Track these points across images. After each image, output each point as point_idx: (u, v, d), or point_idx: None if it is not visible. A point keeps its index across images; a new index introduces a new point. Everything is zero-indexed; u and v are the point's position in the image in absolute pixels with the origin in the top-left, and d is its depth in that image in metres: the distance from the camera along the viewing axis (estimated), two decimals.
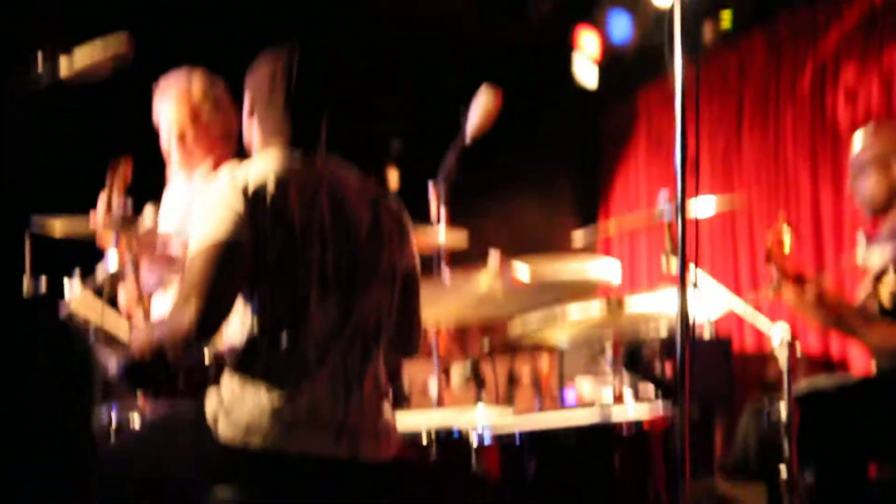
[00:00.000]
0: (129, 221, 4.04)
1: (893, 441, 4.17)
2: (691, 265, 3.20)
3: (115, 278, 4.32)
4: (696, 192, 3.23)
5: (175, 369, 3.98)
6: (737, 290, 7.47)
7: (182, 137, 4.69)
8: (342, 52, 8.47)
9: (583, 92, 8.32)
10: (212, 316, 2.96)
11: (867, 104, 6.66)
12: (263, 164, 3.14)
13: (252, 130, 3.30)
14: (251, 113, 3.29)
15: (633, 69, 8.11)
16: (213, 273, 2.95)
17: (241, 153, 3.51)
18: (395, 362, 3.39)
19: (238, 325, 3.08)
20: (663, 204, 4.04)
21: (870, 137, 4.59)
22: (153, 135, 4.76)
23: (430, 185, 4.93)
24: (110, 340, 3.97)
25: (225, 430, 3.01)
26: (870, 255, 4.52)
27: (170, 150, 4.73)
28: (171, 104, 4.70)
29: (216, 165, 4.80)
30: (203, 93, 4.70)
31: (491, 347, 4.54)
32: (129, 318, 4.26)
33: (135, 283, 4.32)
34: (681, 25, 3.24)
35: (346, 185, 3.22)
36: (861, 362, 6.46)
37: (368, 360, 3.16)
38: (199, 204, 3.07)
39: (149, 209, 4.80)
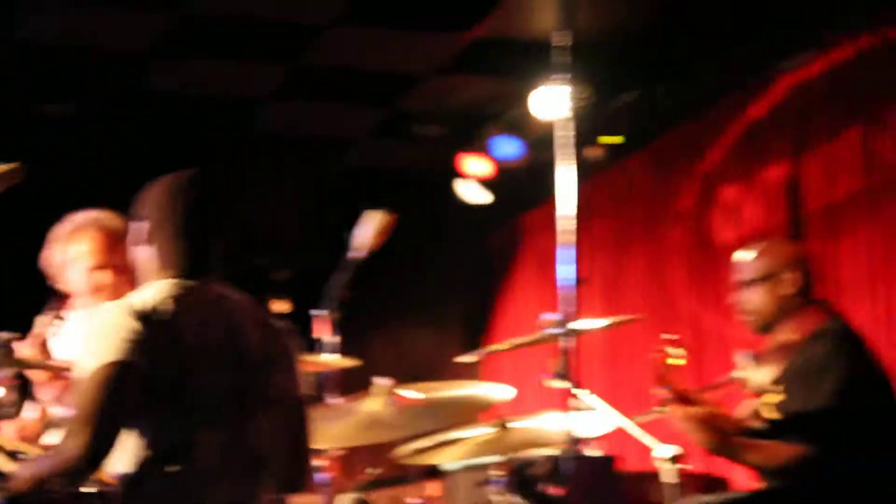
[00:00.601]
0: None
1: None
2: (577, 386, 3.23)
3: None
4: (582, 313, 3.26)
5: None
6: (622, 410, 7.49)
7: (92, 270, 4.67)
8: (234, 177, 8.54)
9: (470, 213, 8.40)
10: (102, 443, 2.92)
11: (748, 221, 6.79)
12: (157, 289, 3.13)
13: (144, 258, 3.29)
14: (147, 240, 3.27)
15: (519, 189, 8.20)
16: (104, 397, 2.92)
17: None
18: (285, 490, 3.35)
19: (127, 451, 3.03)
20: (549, 325, 4.06)
21: (758, 254, 4.65)
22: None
23: (319, 310, 4.93)
24: None
25: None
26: (754, 374, 4.57)
27: (80, 284, 4.69)
28: (85, 240, 4.68)
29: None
30: (116, 227, 4.70)
31: (378, 472, 4.51)
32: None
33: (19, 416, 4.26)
34: (566, 145, 3.30)
35: (239, 310, 3.21)
36: (744, 482, 6.50)
37: (259, 488, 3.13)
38: (92, 327, 3.05)
39: (43, 319, 4.74)
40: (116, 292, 4.63)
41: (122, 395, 2.94)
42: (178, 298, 3.09)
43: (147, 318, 3.01)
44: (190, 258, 3.20)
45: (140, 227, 3.29)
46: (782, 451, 4.19)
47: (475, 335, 9.45)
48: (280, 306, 9.24)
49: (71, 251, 4.67)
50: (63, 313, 4.74)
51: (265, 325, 3.24)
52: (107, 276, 4.67)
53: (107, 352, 2.95)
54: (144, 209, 3.29)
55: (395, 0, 6.80)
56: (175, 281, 3.16)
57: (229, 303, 3.20)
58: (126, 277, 4.76)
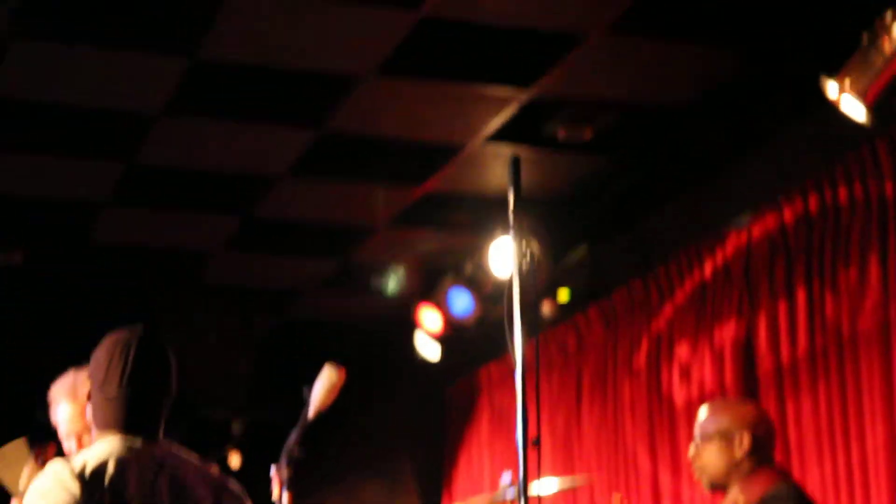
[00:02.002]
0: None
1: None
2: None
3: None
4: (539, 474, 3.24)
5: None
6: None
7: (70, 437, 4.64)
8: (185, 329, 8.51)
9: (425, 368, 8.38)
10: None
11: (700, 380, 6.81)
12: (101, 449, 3.09)
13: (90, 414, 3.25)
14: (91, 398, 3.24)
15: (475, 344, 8.21)
16: None
17: None
18: None
19: None
20: (506, 485, 4.03)
21: (712, 412, 4.67)
22: None
23: (273, 467, 4.87)
24: None
25: None
26: None
27: (68, 449, 4.65)
28: (61, 406, 4.65)
29: None
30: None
31: None
32: None
33: None
34: (519, 302, 3.31)
35: (187, 469, 3.18)
36: None
37: None
38: (34, 489, 2.99)
39: None
40: None
41: None
42: (122, 459, 3.05)
43: (89, 480, 2.97)
44: (134, 416, 3.16)
45: (87, 385, 3.26)
46: None
47: (431, 491, 9.36)
48: (234, 459, 9.15)
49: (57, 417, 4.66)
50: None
51: (215, 486, 3.20)
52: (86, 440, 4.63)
53: None
54: (91, 365, 3.27)
55: (347, 154, 6.84)
56: (119, 440, 3.12)
57: (175, 462, 3.17)
58: None
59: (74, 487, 2.91)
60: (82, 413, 4.60)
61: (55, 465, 2.99)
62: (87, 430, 4.61)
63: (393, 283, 7.45)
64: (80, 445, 4.61)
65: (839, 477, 5.82)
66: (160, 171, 6.96)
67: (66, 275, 8.19)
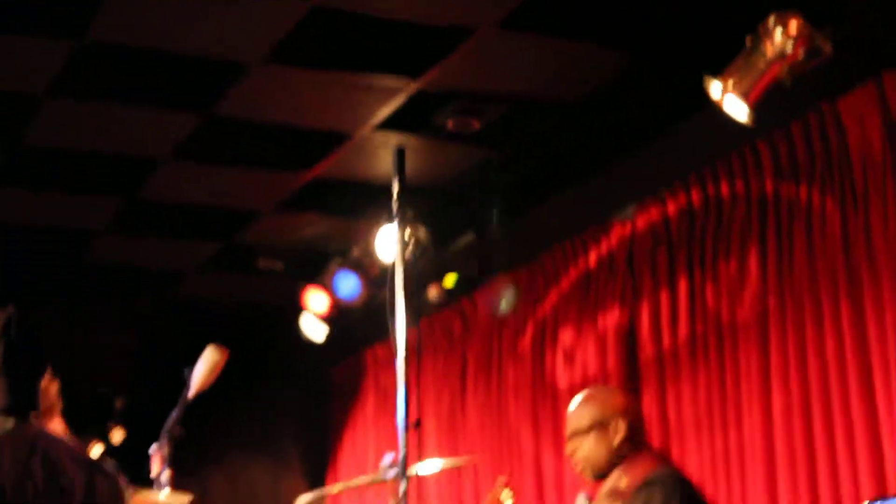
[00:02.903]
0: None
1: None
2: None
3: None
4: (420, 455, 3.28)
5: None
6: None
7: None
8: (67, 309, 8.42)
9: (310, 349, 8.39)
10: None
11: (584, 365, 6.91)
12: None
13: None
14: None
15: (360, 327, 8.23)
16: None
17: None
18: None
19: None
20: (387, 466, 4.05)
21: (585, 403, 4.73)
22: None
23: (154, 445, 4.86)
24: None
25: None
26: None
27: None
28: None
29: None
30: None
31: None
32: None
33: None
34: (404, 285, 3.34)
35: (59, 449, 3.16)
36: None
37: None
38: None
39: None
40: None
41: None
42: None
43: None
44: (5, 397, 3.15)
45: None
46: None
47: (316, 472, 9.37)
48: (117, 435, 9.08)
49: None
50: None
51: (88, 466, 3.20)
52: None
53: None
54: None
55: (234, 138, 6.81)
56: None
57: (48, 442, 3.15)
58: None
59: None
60: None
61: None
62: None
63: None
64: None
65: (717, 461, 5.96)
66: (45, 151, 6.87)
67: None
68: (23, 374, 3.16)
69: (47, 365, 3.25)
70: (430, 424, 8.04)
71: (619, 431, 4.61)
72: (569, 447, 4.71)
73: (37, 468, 3.02)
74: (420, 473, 3.37)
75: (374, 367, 9.07)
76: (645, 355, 6.47)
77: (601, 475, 4.66)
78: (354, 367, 9.29)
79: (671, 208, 6.32)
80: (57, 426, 4.42)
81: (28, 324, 3.21)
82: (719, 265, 6.03)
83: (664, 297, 6.37)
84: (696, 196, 6.16)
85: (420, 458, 3.27)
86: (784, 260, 5.67)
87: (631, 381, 6.50)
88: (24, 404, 3.16)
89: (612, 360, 6.68)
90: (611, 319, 6.72)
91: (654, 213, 6.43)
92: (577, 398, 4.80)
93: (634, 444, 4.63)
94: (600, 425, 4.63)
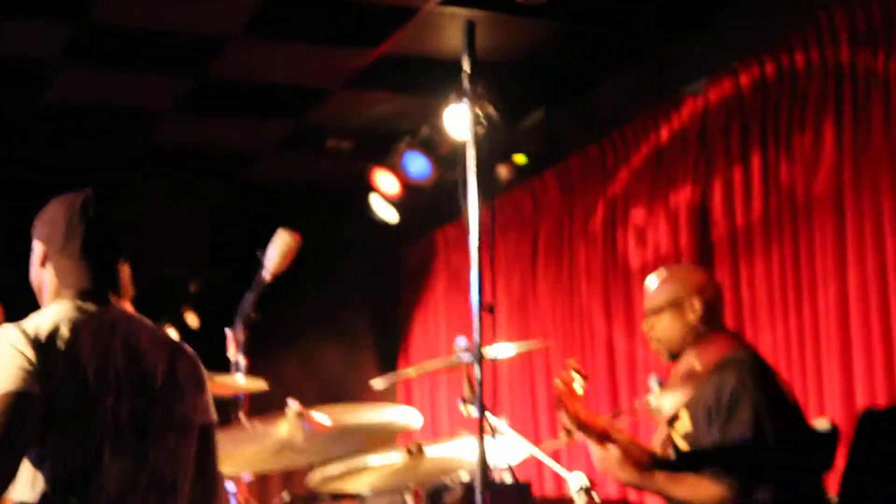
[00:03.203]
0: None
1: None
2: (490, 412, 3.22)
3: None
4: (494, 338, 3.25)
5: None
6: (535, 435, 7.52)
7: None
8: (138, 193, 8.46)
9: (381, 231, 8.39)
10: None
11: (655, 244, 6.86)
12: (55, 313, 3.08)
13: (42, 279, 3.23)
14: (41, 263, 3.22)
15: (430, 207, 8.21)
16: (1, 427, 2.85)
17: None
18: None
19: (27, 480, 2.97)
20: (461, 350, 4.05)
21: (663, 281, 4.68)
22: None
23: (228, 331, 4.88)
24: None
25: None
26: (662, 401, 4.59)
27: None
28: None
29: None
30: None
31: (291, 498, 4.47)
32: None
33: None
34: (475, 165, 3.29)
35: (141, 333, 3.17)
36: None
37: None
38: None
39: None
40: None
41: (19, 426, 2.89)
42: (76, 322, 3.05)
43: (43, 344, 2.96)
44: (87, 280, 3.15)
45: (36, 249, 3.24)
46: (704, 489, 4.23)
47: (388, 355, 9.43)
48: (191, 319, 9.17)
49: None
50: None
51: (169, 349, 3.21)
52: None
53: (3, 381, 2.89)
54: (39, 230, 3.24)
55: (302, 13, 6.74)
56: (72, 304, 3.11)
57: (130, 325, 3.16)
58: None
59: (29, 353, 2.91)
60: None
61: (6, 330, 2.98)
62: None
63: None
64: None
65: (791, 340, 5.90)
66: (113, 29, 6.83)
67: (18, 137, 8.08)
68: (102, 257, 3.17)
69: (124, 247, 3.25)
70: (500, 307, 7.99)
71: (694, 310, 4.56)
72: (644, 325, 4.69)
73: (118, 350, 3.04)
74: (493, 356, 3.35)
75: (444, 249, 9.06)
76: (718, 233, 6.39)
77: (675, 355, 4.62)
78: (425, 249, 9.29)
79: (744, 81, 6.18)
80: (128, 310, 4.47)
81: (106, 206, 3.21)
82: (794, 139, 5.91)
83: (737, 173, 6.26)
84: (769, 68, 6.02)
85: (493, 341, 3.23)
86: (860, 132, 5.54)
87: (703, 259, 6.43)
88: (105, 287, 3.17)
89: (684, 239, 6.61)
90: (683, 197, 6.64)
91: (726, 87, 6.30)
92: (655, 275, 4.76)
93: (710, 324, 4.58)
94: (676, 304, 4.58)
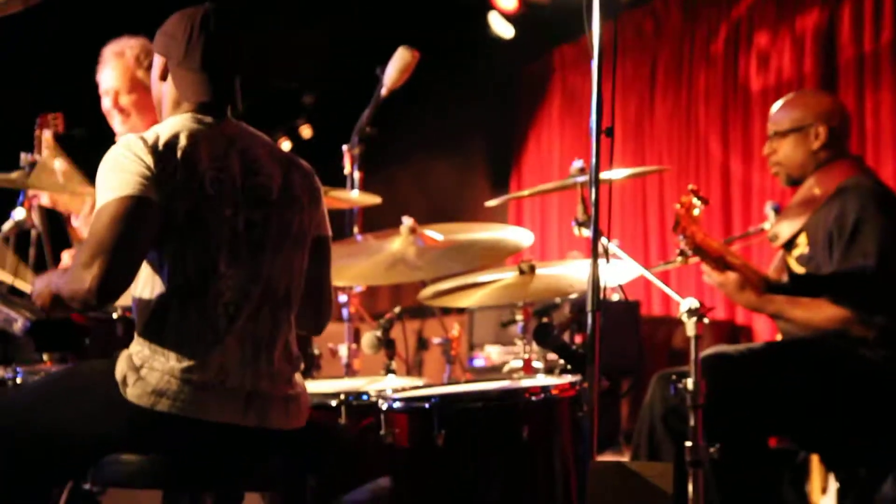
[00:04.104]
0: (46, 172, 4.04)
1: (793, 410, 4.23)
2: (603, 234, 3.21)
3: (21, 230, 4.28)
4: (611, 164, 3.22)
5: (84, 330, 3.94)
6: (645, 257, 7.53)
7: (117, 103, 4.69)
8: (256, 5, 8.43)
9: (498, 48, 8.31)
10: (116, 278, 2.91)
11: (779, 69, 6.72)
12: (174, 124, 3.11)
13: (163, 92, 3.26)
14: (162, 75, 3.24)
15: (549, 25, 8.10)
16: (120, 230, 2.90)
17: None
18: (305, 329, 3.38)
19: (146, 285, 3.04)
20: (577, 173, 4.02)
21: (788, 104, 4.60)
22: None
23: (345, 146, 4.90)
24: (12, 299, 3.92)
25: (133, 390, 2.98)
26: (779, 227, 4.55)
27: (111, 116, 4.72)
28: (108, 71, 4.70)
29: None
30: (136, 59, 4.69)
31: (401, 311, 4.53)
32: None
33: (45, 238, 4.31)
34: None
35: (257, 146, 3.20)
36: (766, 330, 6.54)
37: (279, 326, 3.14)
38: (107, 161, 3.02)
39: (58, 162, 4.77)
40: (140, 117, 4.68)
41: (137, 230, 2.93)
42: (195, 133, 3.07)
43: (161, 152, 2.99)
44: (206, 92, 3.17)
45: (156, 62, 3.26)
46: (824, 310, 4.21)
47: (500, 175, 9.43)
48: (306, 131, 9.22)
49: (101, 83, 4.71)
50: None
51: (284, 162, 3.23)
52: (132, 110, 4.70)
53: (123, 186, 2.94)
54: (159, 43, 3.25)
55: None
56: (191, 116, 3.14)
57: (246, 138, 3.18)
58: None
59: (148, 160, 2.93)
60: (126, 81, 4.68)
61: (127, 138, 3.02)
62: (129, 94, 4.70)
63: None
64: (122, 110, 4.69)
65: None
66: None
67: None
68: (222, 70, 3.17)
69: (243, 61, 3.25)
70: (617, 129, 7.94)
71: (819, 136, 4.48)
72: (766, 148, 4.62)
73: (234, 163, 3.06)
74: (608, 181, 3.33)
75: (561, 69, 8.97)
76: (844, 58, 6.24)
77: (796, 181, 4.56)
78: (541, 69, 9.20)
79: None
80: None
81: (225, 19, 3.20)
82: None
83: None
84: None
85: (610, 166, 3.20)
86: None
87: (827, 85, 6.30)
88: (223, 100, 3.18)
89: (808, 64, 6.47)
90: (809, 21, 6.48)
91: None
92: (783, 99, 4.67)
93: (833, 151, 4.50)
94: (800, 128, 4.50)
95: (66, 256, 4.42)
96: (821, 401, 4.20)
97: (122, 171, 2.96)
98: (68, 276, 2.94)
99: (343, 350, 4.78)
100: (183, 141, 3.03)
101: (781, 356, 4.32)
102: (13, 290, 4.21)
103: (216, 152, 3.07)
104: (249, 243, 3.07)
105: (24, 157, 4.06)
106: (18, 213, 4.11)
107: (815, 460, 4.73)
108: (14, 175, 4.06)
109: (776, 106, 4.63)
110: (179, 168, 2.99)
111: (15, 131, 4.72)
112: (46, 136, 4.52)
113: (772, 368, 4.26)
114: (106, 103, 4.78)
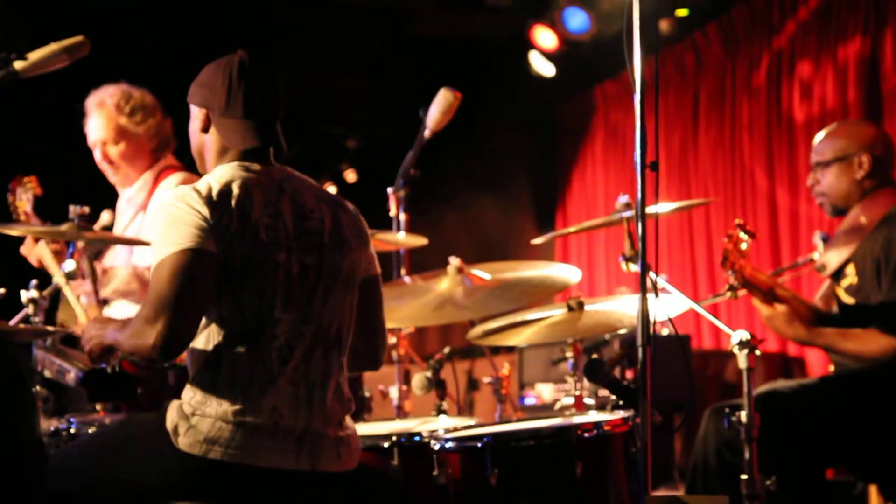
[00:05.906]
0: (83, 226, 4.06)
1: (850, 441, 4.20)
2: (651, 269, 3.21)
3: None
4: (657, 198, 3.22)
5: (136, 380, 3.96)
6: (694, 291, 7.49)
7: (106, 156, 4.75)
8: (293, 49, 8.49)
9: (539, 87, 8.32)
10: (180, 333, 2.93)
11: (822, 99, 6.69)
12: (224, 173, 3.13)
13: (205, 142, 3.28)
14: (204, 127, 3.26)
15: (589, 63, 8.11)
16: (182, 284, 2.92)
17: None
18: (358, 370, 3.38)
19: (202, 333, 3.06)
20: (623, 208, 4.02)
21: (831, 134, 4.59)
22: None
23: (390, 189, 4.92)
24: (64, 350, 3.95)
25: (184, 439, 2.99)
26: (827, 257, 4.53)
27: (103, 168, 4.78)
28: (93, 122, 4.76)
29: (161, 174, 4.84)
30: (117, 106, 4.74)
31: (451, 352, 4.53)
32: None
33: (92, 288, 4.33)
34: (639, 18, 3.23)
35: (305, 190, 3.21)
36: (818, 362, 6.49)
37: (331, 367, 3.15)
38: (160, 213, 3.04)
39: (106, 215, 4.81)
40: (155, 171, 4.73)
41: (198, 284, 2.95)
42: (246, 181, 3.09)
43: (218, 203, 3.01)
44: (252, 139, 3.19)
45: (196, 114, 3.27)
46: (875, 341, 4.19)
47: (545, 212, 9.42)
48: (350, 175, 9.25)
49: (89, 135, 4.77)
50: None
51: (332, 205, 3.24)
52: (121, 160, 4.75)
53: (181, 239, 2.96)
54: (197, 95, 3.27)
55: None
56: (238, 164, 3.16)
57: (295, 183, 3.20)
58: (157, 154, 4.85)
59: (203, 211, 2.96)
60: (112, 130, 4.73)
61: (181, 190, 3.04)
62: (116, 143, 4.75)
63: None
64: (112, 161, 4.73)
65: None
66: None
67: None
68: (265, 115, 3.19)
69: (282, 106, 3.27)
70: (662, 162, 7.90)
71: (862, 166, 4.47)
72: (810, 178, 4.61)
73: (286, 208, 3.08)
74: (654, 215, 3.32)
75: (603, 105, 8.97)
76: (888, 87, 6.20)
77: (841, 210, 4.54)
78: (583, 106, 9.21)
79: None
80: None
81: (265, 65, 3.23)
82: None
83: None
84: None
85: (655, 200, 3.20)
86: None
87: (871, 114, 6.26)
88: (268, 145, 3.20)
89: (852, 93, 6.44)
90: (852, 50, 6.45)
91: None
92: (825, 129, 4.66)
93: (878, 180, 4.48)
94: (843, 158, 4.49)
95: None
96: (878, 430, 4.16)
97: (179, 223, 2.98)
98: (130, 330, 2.96)
99: (394, 392, 4.79)
100: (236, 190, 3.05)
101: (836, 388, 4.29)
102: (65, 341, 4.23)
103: (268, 199, 3.09)
104: (303, 287, 3.09)
105: (73, 210, 4.10)
106: (69, 265, 4.15)
107: (873, 491, 4.67)
108: (64, 227, 4.10)
109: (819, 136, 4.62)
110: (234, 217, 3.01)
111: None
112: (22, 202, 4.53)
113: (827, 399, 4.24)
114: (97, 155, 4.84)
